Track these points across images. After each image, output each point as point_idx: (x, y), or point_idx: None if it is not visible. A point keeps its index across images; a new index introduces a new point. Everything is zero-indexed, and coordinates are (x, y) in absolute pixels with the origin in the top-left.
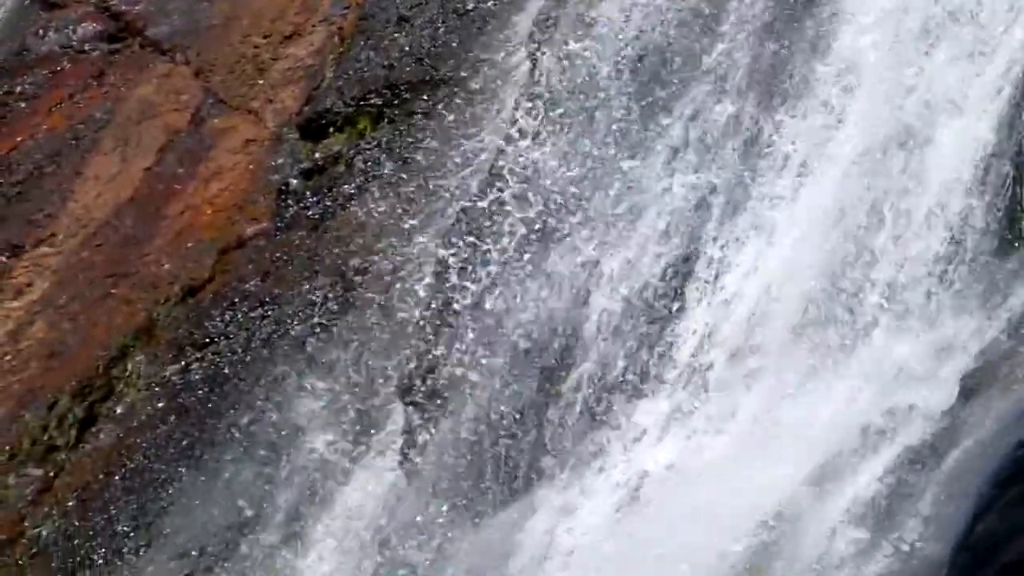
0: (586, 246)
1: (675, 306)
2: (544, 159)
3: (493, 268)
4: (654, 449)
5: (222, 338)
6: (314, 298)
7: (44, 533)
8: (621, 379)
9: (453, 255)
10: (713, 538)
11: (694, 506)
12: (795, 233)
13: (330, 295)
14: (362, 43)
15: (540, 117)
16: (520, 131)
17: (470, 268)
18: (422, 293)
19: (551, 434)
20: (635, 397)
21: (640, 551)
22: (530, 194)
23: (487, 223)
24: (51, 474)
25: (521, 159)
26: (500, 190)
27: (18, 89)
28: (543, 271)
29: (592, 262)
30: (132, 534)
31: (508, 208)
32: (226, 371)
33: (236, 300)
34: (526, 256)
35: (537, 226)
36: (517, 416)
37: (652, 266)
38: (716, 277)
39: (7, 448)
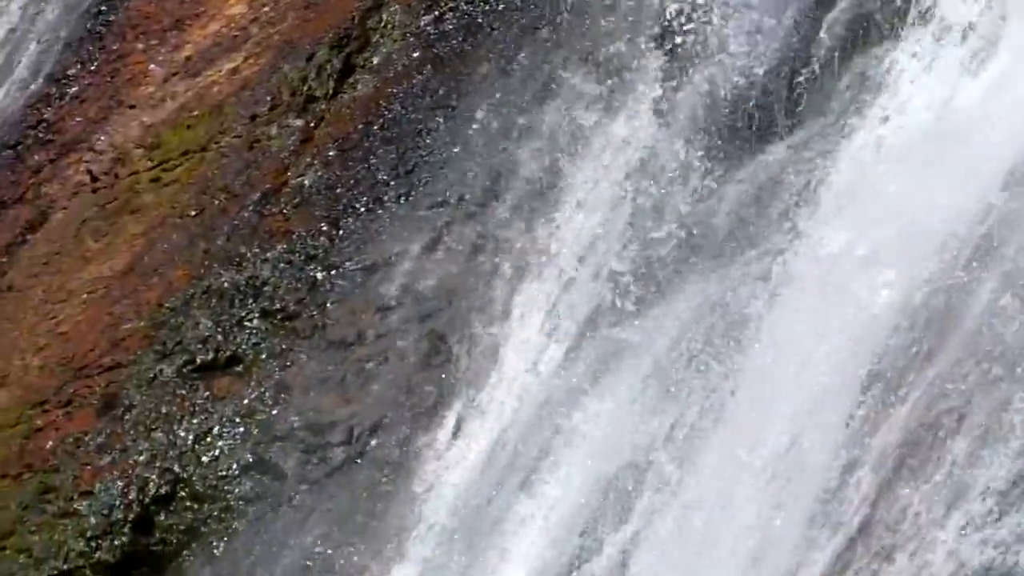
0: None
1: None
2: None
3: None
4: (907, 95)
5: None
6: None
7: (307, 183)
8: (876, 24)
9: None
10: (962, 196)
11: (948, 161)
12: None
13: None
14: None
15: None
16: None
17: None
18: None
19: (806, 84)
20: (890, 39)
21: (891, 203)
22: None
23: None
24: (311, 124)
25: None
26: None
27: None
28: None
29: None
30: (392, 183)
31: None
32: (479, 21)
33: None
34: None
35: None
36: (772, 64)
37: None
38: None
39: (268, 99)
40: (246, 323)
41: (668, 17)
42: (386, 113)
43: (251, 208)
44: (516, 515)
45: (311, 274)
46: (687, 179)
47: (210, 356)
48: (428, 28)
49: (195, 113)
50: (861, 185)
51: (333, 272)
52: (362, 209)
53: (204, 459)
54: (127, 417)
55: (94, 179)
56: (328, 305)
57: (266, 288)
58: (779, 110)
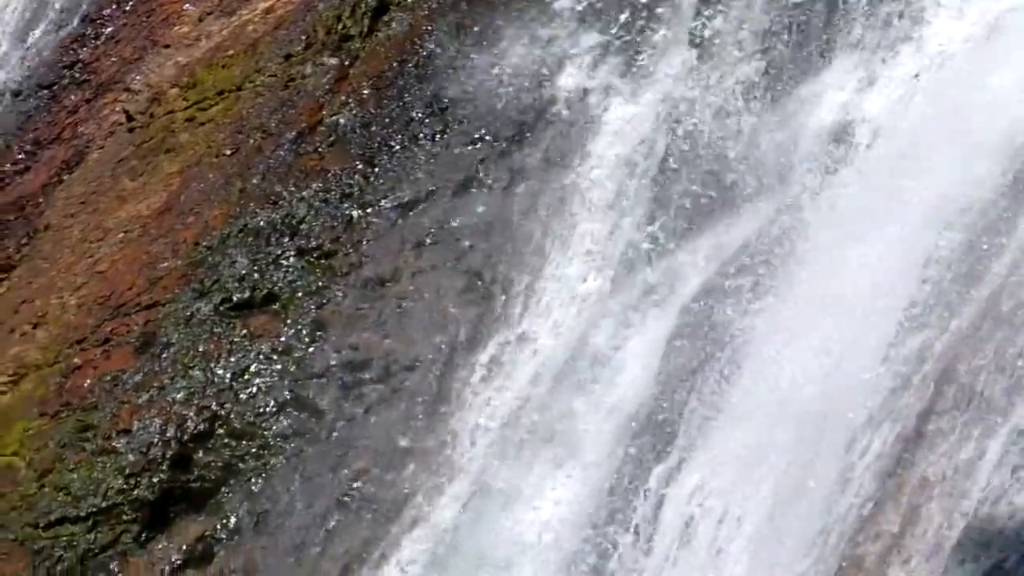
0: None
1: None
2: None
3: None
4: (941, 29)
5: None
6: None
7: (342, 121)
8: None
9: None
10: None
11: (981, 95)
12: None
13: None
14: None
15: None
16: None
17: None
18: None
19: (843, 15)
20: None
21: (927, 134)
22: None
23: None
24: (346, 63)
25: None
26: None
27: None
28: None
29: None
30: (427, 121)
31: None
32: None
33: None
34: None
35: None
36: None
37: None
38: None
39: (303, 38)
40: (282, 261)
41: None
42: (420, 51)
43: (286, 147)
44: (553, 453)
45: (347, 212)
46: (723, 114)
47: (247, 294)
48: None
49: (230, 52)
50: (901, 115)
51: (369, 210)
52: (397, 147)
53: (242, 396)
54: (165, 355)
55: (130, 119)
56: (364, 243)
57: (302, 226)
58: (817, 38)
